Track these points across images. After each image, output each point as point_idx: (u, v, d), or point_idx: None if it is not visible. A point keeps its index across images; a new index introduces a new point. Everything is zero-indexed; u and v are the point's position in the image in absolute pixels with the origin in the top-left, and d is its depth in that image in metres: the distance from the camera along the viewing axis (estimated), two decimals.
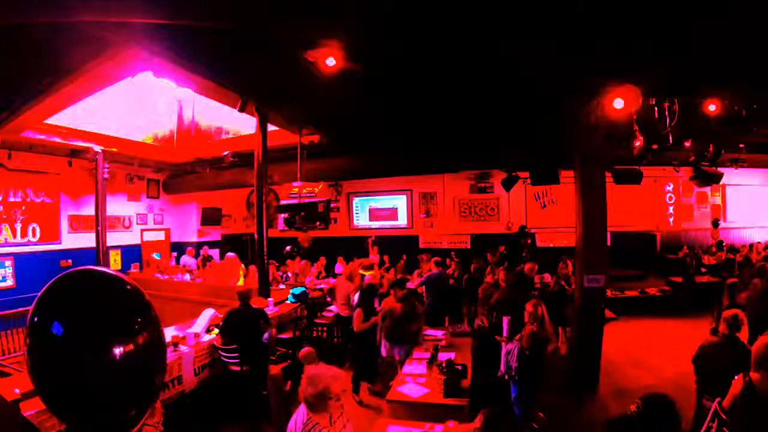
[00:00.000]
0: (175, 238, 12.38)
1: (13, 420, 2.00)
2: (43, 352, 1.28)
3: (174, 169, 11.45)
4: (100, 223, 8.56)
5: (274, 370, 4.74)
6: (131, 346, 1.31)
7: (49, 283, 1.34)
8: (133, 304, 1.43)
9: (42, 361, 1.29)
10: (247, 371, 4.80)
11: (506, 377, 4.23)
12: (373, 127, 7.74)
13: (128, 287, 1.44)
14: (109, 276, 1.48)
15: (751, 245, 10.75)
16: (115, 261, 10.38)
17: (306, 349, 4.23)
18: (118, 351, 1.27)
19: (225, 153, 9.04)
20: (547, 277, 8.11)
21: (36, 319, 1.29)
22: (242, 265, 8.88)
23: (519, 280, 6.05)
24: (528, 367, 4.03)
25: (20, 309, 7.36)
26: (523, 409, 4.15)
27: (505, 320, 4.94)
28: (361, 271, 7.20)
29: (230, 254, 8.96)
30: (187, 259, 10.95)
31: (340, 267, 10.57)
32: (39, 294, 1.32)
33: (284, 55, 4.48)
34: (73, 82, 5.38)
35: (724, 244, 11.02)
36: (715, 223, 11.47)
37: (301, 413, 2.45)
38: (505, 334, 4.81)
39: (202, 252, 11.46)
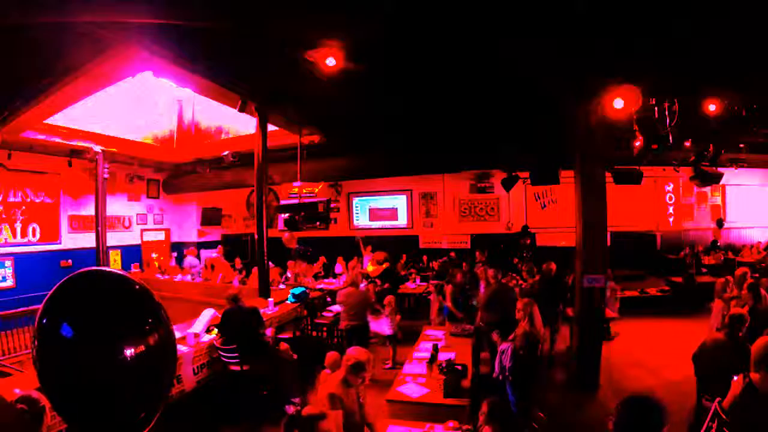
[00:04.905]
0: (175, 238, 12.38)
1: (13, 420, 2.00)
2: (51, 353, 1.27)
3: (174, 169, 11.44)
4: (100, 223, 8.55)
5: (283, 346, 4.92)
6: (142, 347, 1.29)
7: (57, 284, 1.32)
8: (143, 305, 1.41)
9: (50, 363, 1.27)
10: (246, 371, 4.81)
11: (500, 377, 4.21)
12: (373, 127, 7.74)
13: (137, 287, 1.42)
14: (118, 276, 1.46)
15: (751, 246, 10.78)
16: (115, 261, 10.38)
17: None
18: (128, 352, 1.26)
19: (225, 153, 9.03)
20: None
21: (45, 320, 1.28)
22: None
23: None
24: (522, 366, 4.00)
25: (20, 309, 7.36)
26: (521, 409, 4.13)
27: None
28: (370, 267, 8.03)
29: (211, 255, 9.00)
30: (191, 260, 10.90)
31: (339, 267, 10.57)
32: (48, 295, 1.30)
33: (284, 55, 4.48)
34: (73, 82, 5.39)
35: (718, 244, 11.02)
36: (720, 223, 11.44)
37: None
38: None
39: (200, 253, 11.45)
